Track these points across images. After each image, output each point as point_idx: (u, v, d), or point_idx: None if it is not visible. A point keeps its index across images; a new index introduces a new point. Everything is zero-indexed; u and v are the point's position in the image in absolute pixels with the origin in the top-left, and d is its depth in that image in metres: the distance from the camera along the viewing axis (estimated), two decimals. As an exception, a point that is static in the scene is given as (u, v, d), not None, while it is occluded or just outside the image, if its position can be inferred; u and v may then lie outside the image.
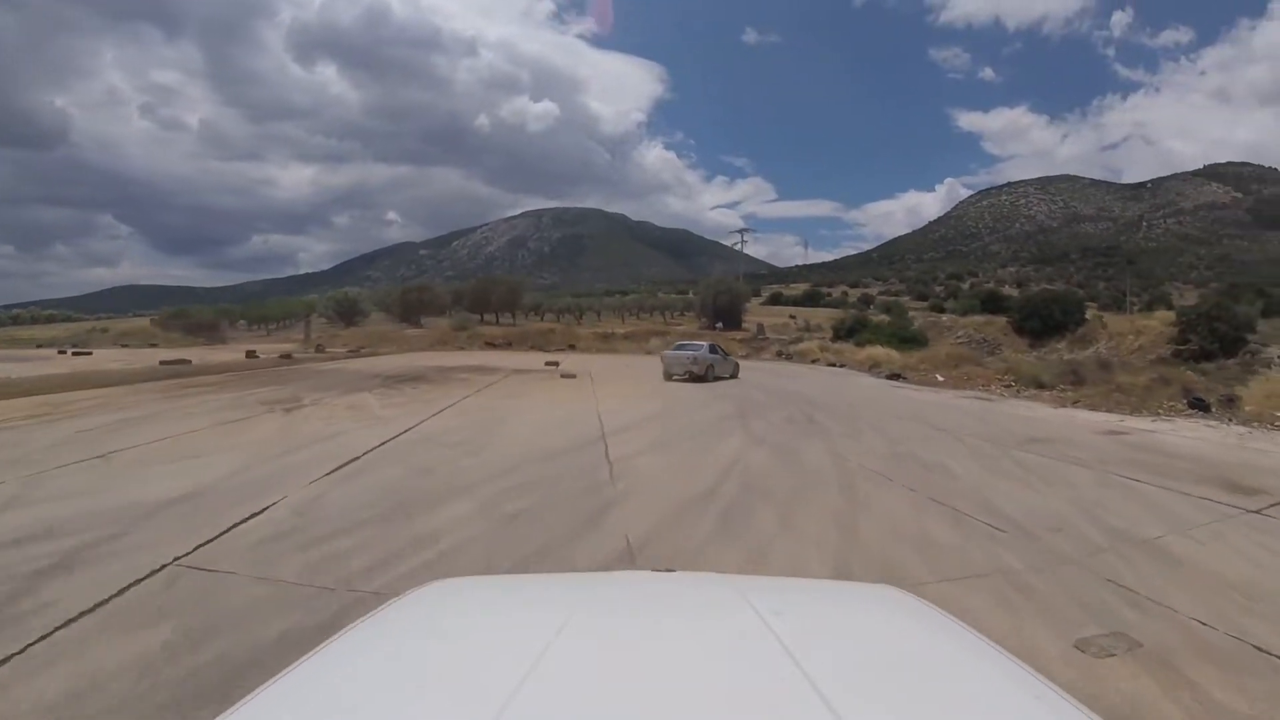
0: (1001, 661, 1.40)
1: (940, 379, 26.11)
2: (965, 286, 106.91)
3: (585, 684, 1.24)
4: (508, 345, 47.58)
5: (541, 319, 67.49)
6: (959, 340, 38.95)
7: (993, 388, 23.33)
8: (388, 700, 1.20)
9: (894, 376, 28.20)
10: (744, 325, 57.95)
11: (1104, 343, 32.93)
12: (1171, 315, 32.75)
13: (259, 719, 1.15)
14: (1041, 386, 21.98)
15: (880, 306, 75.35)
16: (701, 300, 64.10)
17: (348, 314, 63.63)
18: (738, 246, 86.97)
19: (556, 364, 33.18)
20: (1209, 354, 25.85)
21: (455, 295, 68.39)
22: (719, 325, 56.40)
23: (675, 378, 25.29)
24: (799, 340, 44.36)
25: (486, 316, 63.71)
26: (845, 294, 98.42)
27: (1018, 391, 22.01)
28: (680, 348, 28.52)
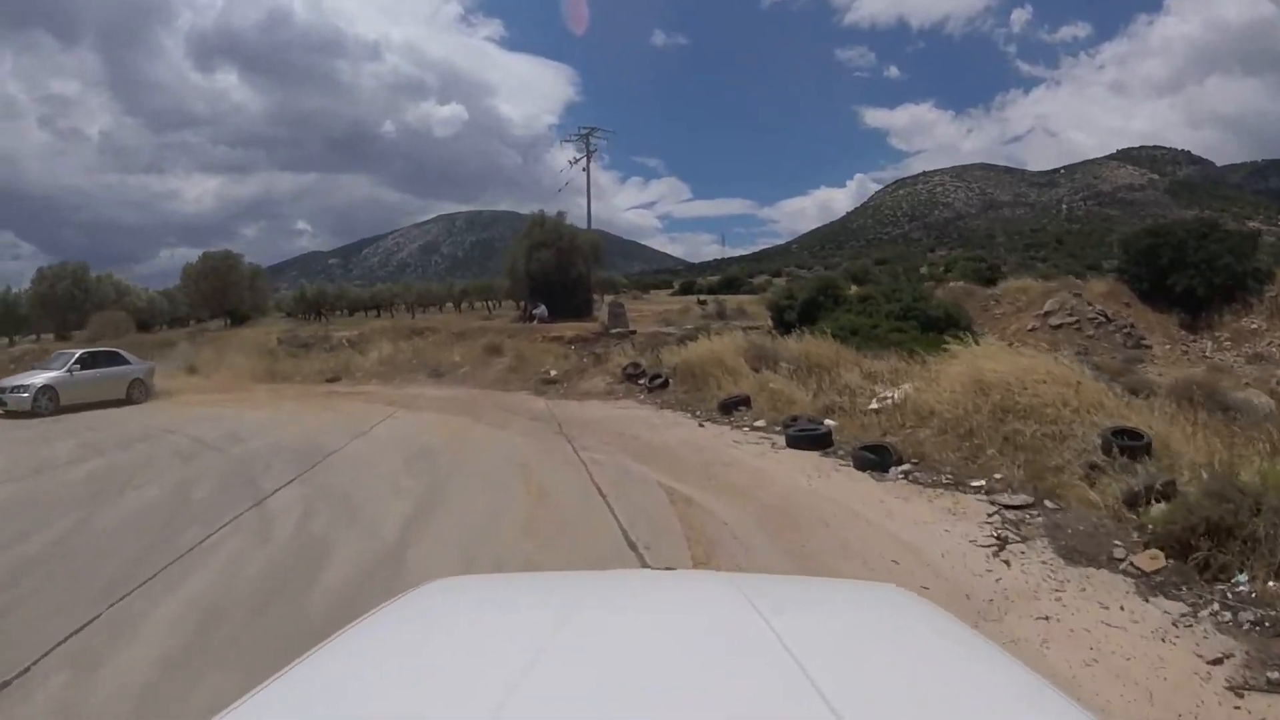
0: (1002, 662, 1.39)
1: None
2: (900, 270, 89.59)
3: (584, 682, 1.22)
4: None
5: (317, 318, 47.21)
6: (1049, 323, 23.67)
7: None
8: (387, 698, 1.20)
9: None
10: (595, 314, 36.05)
11: None
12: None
13: (260, 717, 1.14)
14: None
15: (848, 274, 55.62)
16: (511, 272, 39.47)
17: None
18: (573, 166, 45.37)
19: None
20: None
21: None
22: (536, 313, 34.08)
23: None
24: (694, 335, 25.55)
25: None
26: (769, 282, 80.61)
27: None
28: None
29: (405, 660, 1.39)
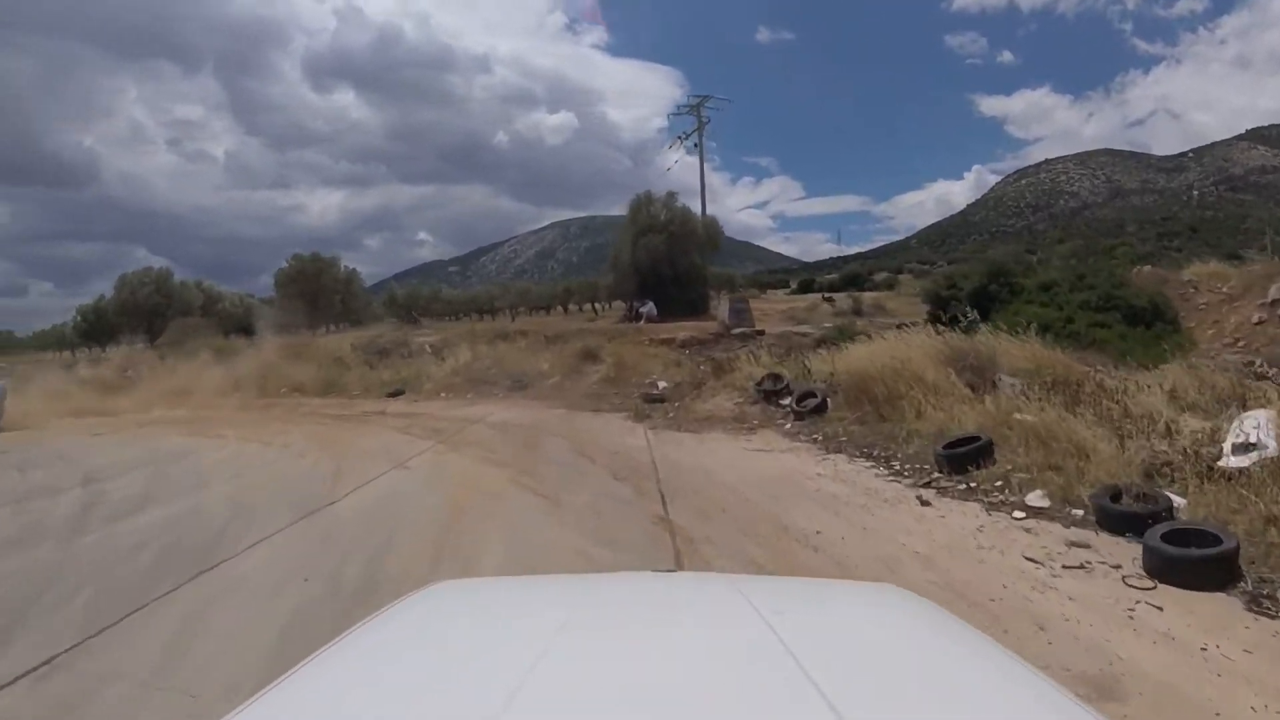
0: (1003, 661, 1.37)
1: None
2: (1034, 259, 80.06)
3: (586, 685, 1.22)
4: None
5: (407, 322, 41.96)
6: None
7: None
8: (389, 702, 1.20)
9: None
10: (710, 312, 29.78)
11: None
12: None
13: None
14: None
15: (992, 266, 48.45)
16: (615, 264, 33.42)
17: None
18: (683, 142, 39.53)
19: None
20: None
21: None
22: (643, 311, 28.95)
23: None
24: (841, 335, 19.85)
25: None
26: (894, 279, 72.08)
27: None
28: None
29: (408, 664, 1.36)
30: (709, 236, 33.29)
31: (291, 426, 14.58)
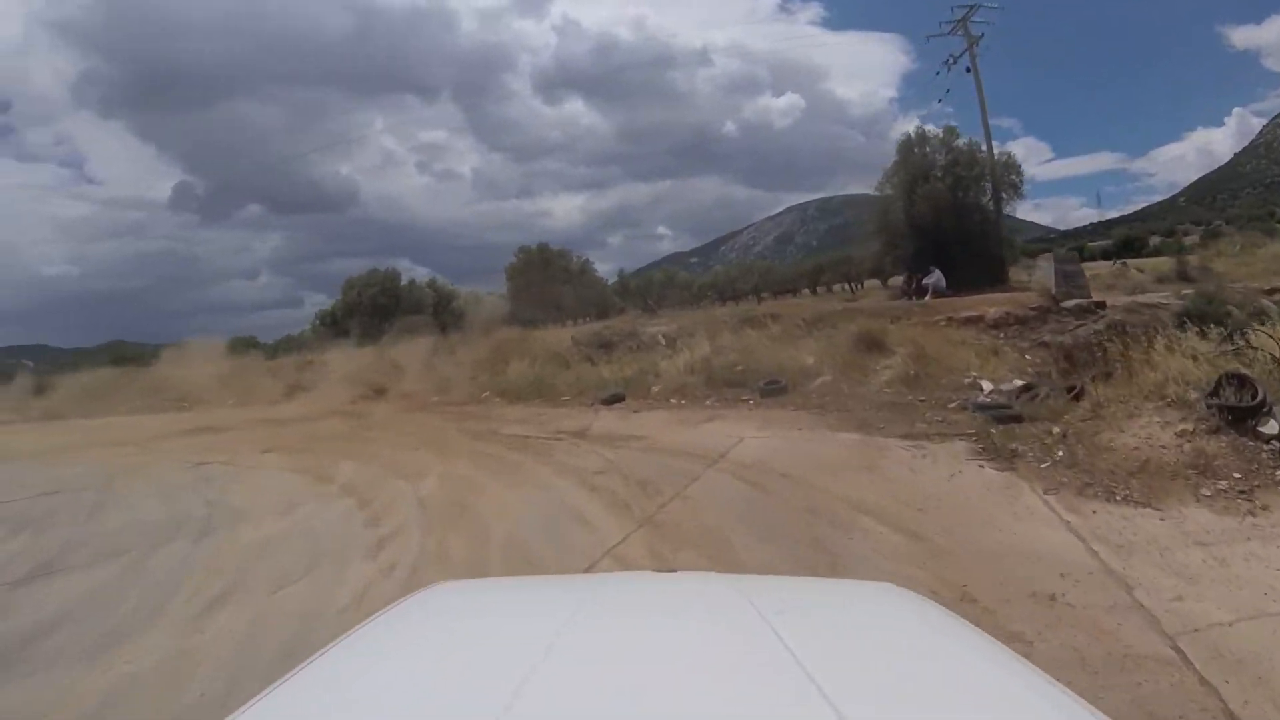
0: (1004, 659, 1.38)
1: None
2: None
3: (588, 685, 1.21)
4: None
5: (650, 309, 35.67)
6: None
7: None
8: (390, 703, 1.20)
9: None
10: (1011, 278, 23.76)
11: None
12: None
13: None
14: None
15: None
16: (882, 221, 26.29)
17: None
18: (950, 70, 28.41)
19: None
20: None
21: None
22: (928, 281, 21.75)
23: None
24: (1211, 302, 14.45)
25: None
26: (1179, 238, 57.86)
27: None
28: None
29: (408, 665, 1.37)
30: (1005, 180, 25.50)
31: (441, 461, 10.61)
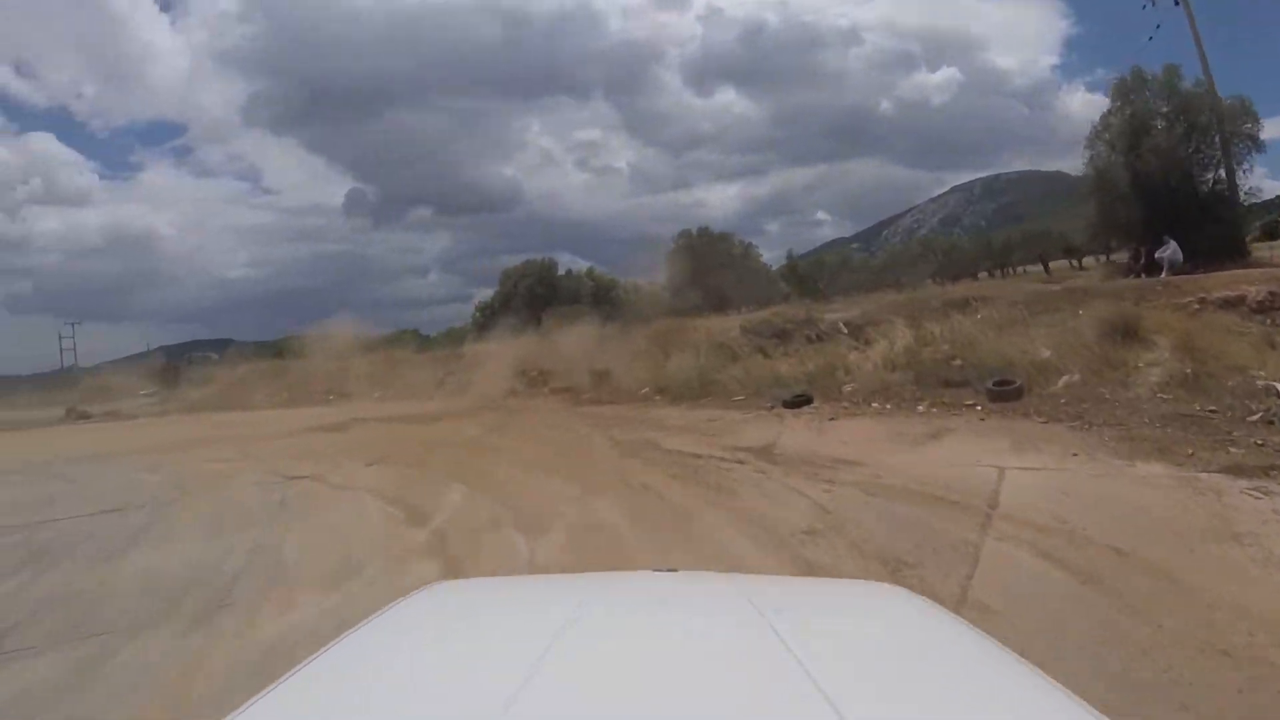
0: (1004, 659, 1.34)
1: None
2: None
3: (588, 684, 1.19)
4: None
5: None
6: None
7: None
8: (392, 702, 1.18)
9: None
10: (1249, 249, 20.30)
11: None
12: None
13: None
14: None
15: None
16: (1099, 183, 21.90)
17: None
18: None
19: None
20: None
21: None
22: (1163, 256, 17.85)
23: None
24: None
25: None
26: None
27: None
28: None
29: (408, 664, 1.37)
30: (1238, 130, 21.09)
31: (577, 496, 8.41)
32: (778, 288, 37.56)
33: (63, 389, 38.09)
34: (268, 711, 1.12)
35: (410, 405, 20.50)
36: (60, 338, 51.79)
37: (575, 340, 23.40)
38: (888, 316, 17.01)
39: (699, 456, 9.68)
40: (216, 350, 54.17)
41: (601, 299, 34.85)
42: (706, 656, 1.34)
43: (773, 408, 12.68)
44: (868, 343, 15.86)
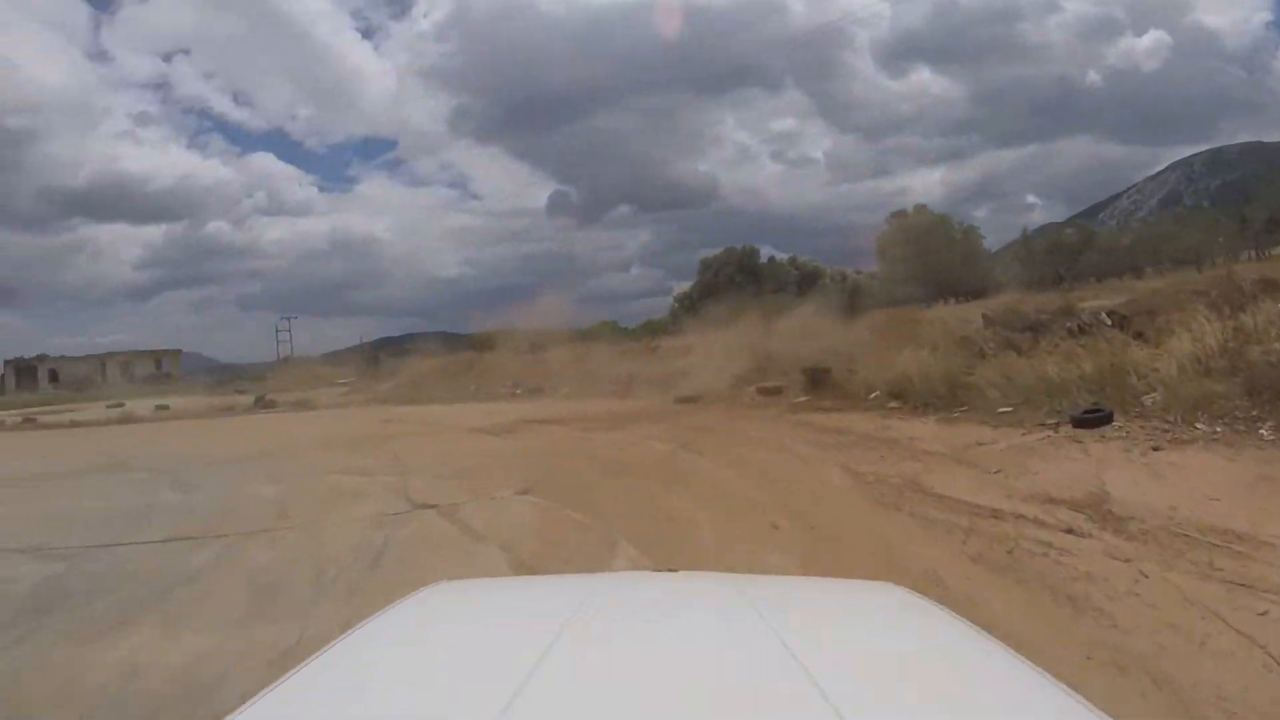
0: (1005, 659, 1.32)
1: None
2: None
3: (588, 685, 1.19)
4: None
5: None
6: None
7: None
8: (392, 702, 1.17)
9: None
10: None
11: None
12: None
13: None
14: None
15: None
16: None
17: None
18: None
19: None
20: None
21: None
22: None
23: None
24: None
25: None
26: None
27: None
28: None
29: (407, 665, 1.34)
30: None
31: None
32: (999, 274, 33.63)
33: (275, 376, 40.16)
34: (268, 711, 1.09)
35: (597, 404, 19.21)
36: (277, 331, 55.23)
37: (783, 332, 21.11)
38: (1180, 304, 13.38)
39: (998, 515, 6.54)
40: (431, 342, 56.52)
41: (807, 287, 32.57)
42: (707, 657, 1.31)
43: (1058, 425, 9.66)
44: (1139, 336, 12.48)
